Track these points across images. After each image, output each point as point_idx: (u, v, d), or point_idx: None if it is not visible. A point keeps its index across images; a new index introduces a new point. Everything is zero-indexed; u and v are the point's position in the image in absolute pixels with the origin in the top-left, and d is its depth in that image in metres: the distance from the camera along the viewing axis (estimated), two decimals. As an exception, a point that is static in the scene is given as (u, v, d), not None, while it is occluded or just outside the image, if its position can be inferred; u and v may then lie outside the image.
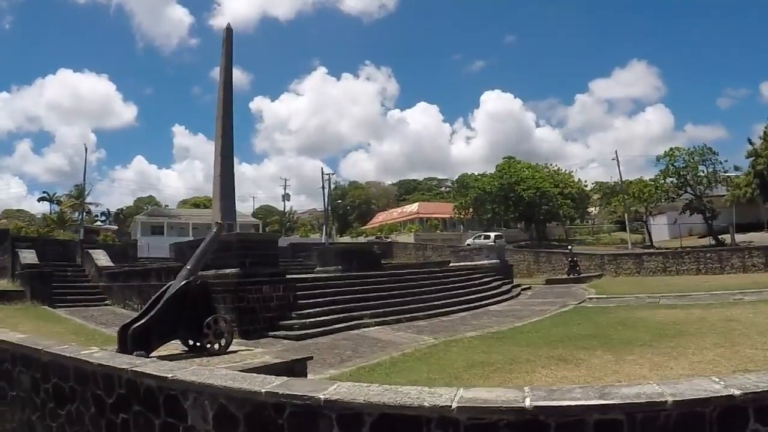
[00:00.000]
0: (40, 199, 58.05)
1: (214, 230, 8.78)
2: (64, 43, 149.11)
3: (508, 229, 53.28)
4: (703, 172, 42.26)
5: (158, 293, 7.36)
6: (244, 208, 67.75)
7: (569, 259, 32.32)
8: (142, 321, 6.81)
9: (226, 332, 7.50)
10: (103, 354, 5.13)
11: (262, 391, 3.38)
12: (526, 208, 45.07)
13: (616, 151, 48.98)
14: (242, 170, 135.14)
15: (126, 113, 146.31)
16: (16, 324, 12.75)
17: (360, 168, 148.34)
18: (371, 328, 12.96)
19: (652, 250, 37.24)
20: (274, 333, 12.23)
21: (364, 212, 66.07)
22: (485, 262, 27.78)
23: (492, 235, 43.22)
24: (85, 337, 11.72)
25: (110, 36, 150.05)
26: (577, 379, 6.89)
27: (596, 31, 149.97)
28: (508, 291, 21.70)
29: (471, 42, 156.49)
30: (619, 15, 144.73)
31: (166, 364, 4.69)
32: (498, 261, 28.23)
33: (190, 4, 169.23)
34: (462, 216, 50.60)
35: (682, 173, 42.05)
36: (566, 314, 14.87)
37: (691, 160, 41.99)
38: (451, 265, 27.92)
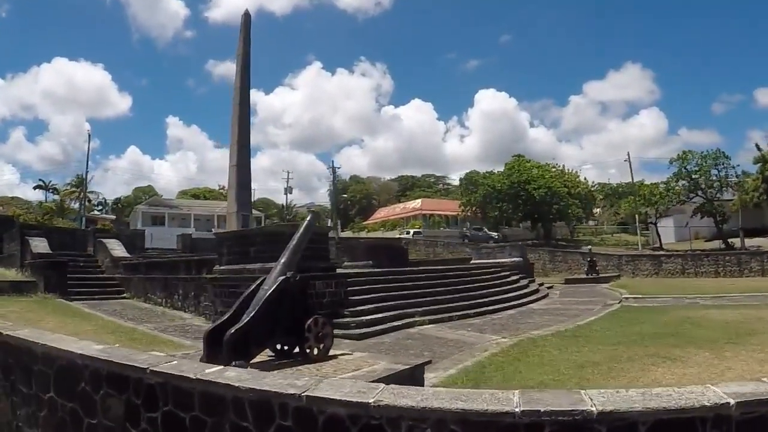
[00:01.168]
0: (36, 187, 56.75)
1: (309, 219, 8.10)
2: (60, 32, 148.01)
3: (513, 228, 52.84)
4: (715, 176, 42.24)
5: (249, 291, 6.47)
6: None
7: (588, 259, 32.68)
8: (240, 324, 5.90)
9: (328, 335, 6.75)
10: (237, 372, 4.18)
11: (515, 411, 2.84)
12: (536, 207, 44.54)
13: (628, 153, 48.47)
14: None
15: (121, 103, 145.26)
16: (37, 320, 11.79)
17: (353, 163, 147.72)
18: (427, 327, 12.48)
19: (670, 252, 37.06)
20: (340, 332, 11.30)
21: (364, 207, 65.27)
22: (508, 260, 27.53)
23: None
24: (125, 336, 10.73)
25: (106, 26, 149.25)
26: (705, 375, 6.67)
27: (591, 33, 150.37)
28: (537, 290, 21.39)
29: (466, 41, 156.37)
30: (614, 17, 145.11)
31: (340, 382, 3.86)
32: (521, 259, 28.12)
33: None
34: (468, 214, 49.98)
35: (693, 176, 41.97)
36: (618, 313, 14.61)
37: (704, 164, 41.90)
38: (473, 262, 27.27)
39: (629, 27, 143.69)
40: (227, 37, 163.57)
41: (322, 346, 6.63)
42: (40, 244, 20.66)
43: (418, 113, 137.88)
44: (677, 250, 39.54)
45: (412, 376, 5.96)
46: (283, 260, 6.88)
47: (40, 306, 15.19)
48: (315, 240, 13.41)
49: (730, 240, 41.02)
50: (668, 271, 33.49)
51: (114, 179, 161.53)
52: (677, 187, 42.98)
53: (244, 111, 27.48)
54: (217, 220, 50.61)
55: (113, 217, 53.53)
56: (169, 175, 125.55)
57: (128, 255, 21.08)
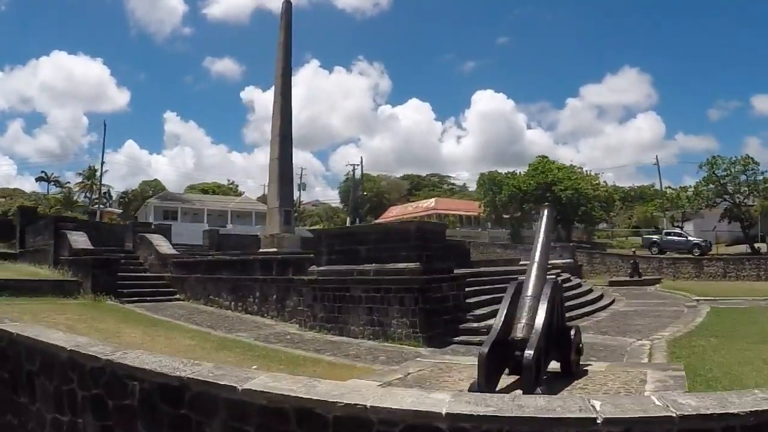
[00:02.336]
0: (38, 179, 54.39)
1: (547, 212, 7.12)
2: (59, 25, 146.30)
3: (532, 230, 51.87)
4: (743, 181, 41.96)
5: (509, 297, 5.40)
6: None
7: (631, 261, 32.17)
8: (535, 340, 4.75)
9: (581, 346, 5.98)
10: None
11: None
12: (562, 208, 43.63)
13: (656, 156, 47.97)
14: (232, 159, 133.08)
15: (119, 98, 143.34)
16: (114, 332, 10.30)
17: (349, 162, 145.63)
18: None
19: (711, 256, 36.66)
20: (459, 338, 10.63)
21: (375, 205, 63.91)
22: (559, 261, 26.79)
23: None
24: (250, 354, 9.12)
25: (105, 20, 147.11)
26: None
27: (588, 37, 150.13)
28: (593, 290, 20.66)
29: (463, 42, 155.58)
30: (612, 21, 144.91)
31: None
32: (571, 260, 27.51)
33: None
34: (489, 214, 48.97)
35: (722, 181, 41.66)
36: (720, 313, 14.35)
37: (733, 169, 41.66)
38: (522, 263, 26.20)
39: (627, 31, 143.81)
40: (226, 35, 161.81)
41: (578, 359, 5.85)
42: (79, 239, 18.92)
43: (415, 113, 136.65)
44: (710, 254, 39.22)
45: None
46: (537, 259, 5.95)
47: (99, 311, 13.59)
48: (435, 239, 12.36)
49: (756, 245, 40.63)
50: (709, 274, 33.15)
51: (111, 173, 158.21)
52: (706, 191, 42.47)
53: (286, 102, 26.02)
54: (230, 216, 49.10)
55: (120, 210, 51.46)
56: (166, 170, 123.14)
57: (176, 252, 19.50)
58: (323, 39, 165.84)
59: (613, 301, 18.24)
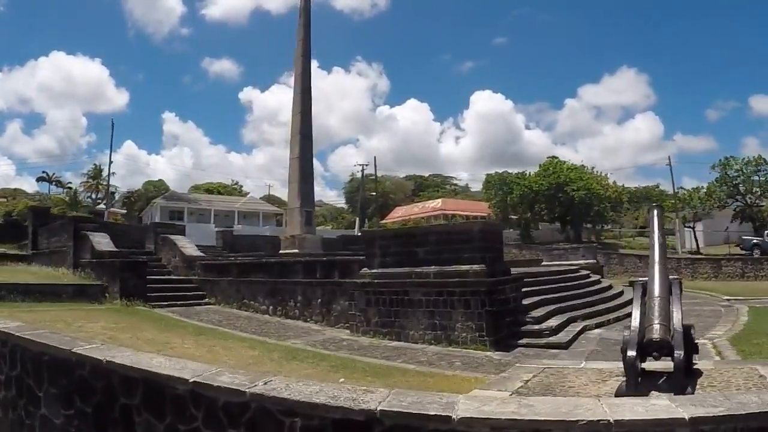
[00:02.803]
0: (39, 179, 53.34)
1: (656, 212, 6.96)
2: (58, 26, 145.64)
3: (542, 230, 51.50)
4: (755, 181, 41.89)
5: (639, 296, 5.41)
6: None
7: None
8: (681, 340, 4.77)
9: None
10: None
11: None
12: (573, 209, 43.30)
13: (669, 157, 47.63)
14: (230, 159, 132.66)
15: (118, 99, 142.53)
16: (163, 342, 9.52)
17: (348, 163, 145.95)
18: (597, 330, 11.57)
19: (730, 256, 36.68)
20: (523, 341, 10.28)
21: (380, 205, 63.19)
22: (582, 261, 26.57)
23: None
24: (326, 365, 8.42)
25: (103, 20, 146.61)
26: None
27: (586, 37, 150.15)
28: (623, 291, 20.28)
29: (460, 43, 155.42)
30: (609, 21, 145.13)
31: None
32: (594, 261, 27.30)
33: None
34: (499, 215, 48.43)
35: (735, 182, 41.64)
36: (764, 313, 14.15)
37: (746, 170, 41.61)
38: (545, 263, 25.82)
39: (624, 31, 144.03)
40: (224, 35, 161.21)
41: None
42: (102, 241, 18.19)
43: (413, 113, 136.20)
44: (710, 254, 39.24)
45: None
46: (657, 260, 5.78)
47: (133, 318, 12.81)
48: (496, 239, 11.95)
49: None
50: (727, 274, 33.23)
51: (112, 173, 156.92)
52: (718, 192, 42.36)
53: (306, 100, 25.45)
54: (237, 216, 48.31)
55: (123, 211, 50.50)
56: (164, 170, 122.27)
57: (202, 254, 18.83)
58: (322, 40, 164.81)
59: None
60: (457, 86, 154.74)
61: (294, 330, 12.61)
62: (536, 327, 10.79)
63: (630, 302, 16.19)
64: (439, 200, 64.48)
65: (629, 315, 14.42)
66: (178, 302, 15.95)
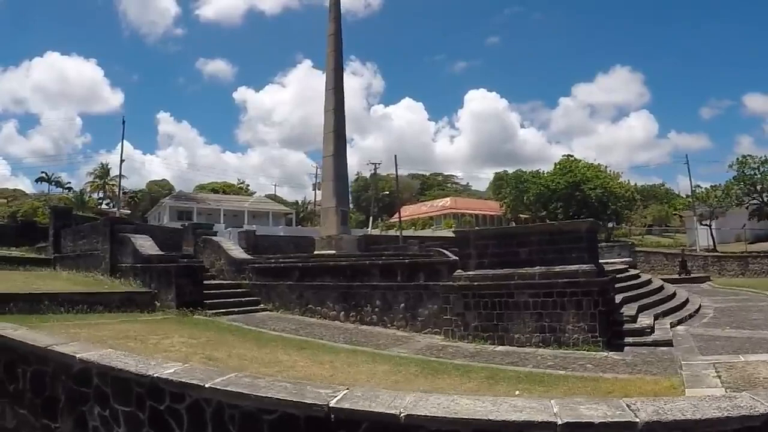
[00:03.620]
0: (39, 180, 51.74)
1: None
2: (52, 26, 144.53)
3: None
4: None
5: None
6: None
7: (679, 259, 32.06)
8: None
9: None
10: None
11: None
12: (590, 207, 42.95)
13: (686, 155, 47.62)
14: (225, 159, 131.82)
15: (113, 99, 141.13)
16: (271, 359, 8.43)
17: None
18: (681, 327, 11.74)
19: (757, 253, 36.56)
20: (630, 340, 10.18)
21: (387, 205, 62.39)
22: (618, 260, 26.21)
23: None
24: (482, 378, 7.55)
25: (97, 21, 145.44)
26: None
27: (579, 36, 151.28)
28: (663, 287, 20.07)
29: (453, 43, 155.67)
30: (602, 20, 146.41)
31: None
32: (630, 259, 26.99)
33: None
34: (513, 213, 48.06)
35: (752, 180, 41.73)
36: None
37: (762, 168, 41.72)
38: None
39: (618, 30, 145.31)
40: (218, 35, 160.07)
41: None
42: (146, 243, 17.04)
43: (408, 112, 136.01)
44: (734, 252, 39.15)
45: None
46: None
47: (206, 329, 11.57)
48: (596, 239, 11.85)
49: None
50: (754, 272, 33.21)
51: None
52: (736, 190, 42.37)
53: (339, 96, 24.59)
54: (246, 216, 47.17)
55: (128, 211, 49.08)
56: (159, 170, 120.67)
57: (250, 257, 17.89)
58: (316, 39, 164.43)
59: (687, 300, 17.45)
60: (451, 86, 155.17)
61: (382, 338, 11.77)
62: (636, 326, 10.76)
63: (670, 298, 16.11)
64: (448, 199, 63.99)
65: (698, 311, 14.40)
66: (235, 309, 14.87)
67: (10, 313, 11.71)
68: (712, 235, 44.43)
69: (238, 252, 17.81)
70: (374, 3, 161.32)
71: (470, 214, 57.55)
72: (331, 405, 3.15)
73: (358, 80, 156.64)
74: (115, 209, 50.09)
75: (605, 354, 9.34)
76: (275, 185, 76.37)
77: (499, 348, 10.42)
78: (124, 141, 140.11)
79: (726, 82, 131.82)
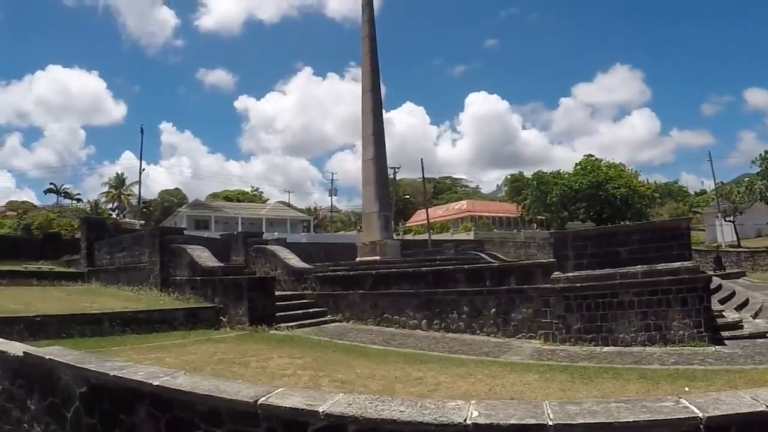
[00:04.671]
0: (47, 191, 51.14)
1: None
2: (53, 40, 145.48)
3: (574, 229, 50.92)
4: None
5: None
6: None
7: (714, 256, 32.03)
8: None
9: None
10: None
11: None
12: (613, 206, 42.76)
13: (709, 152, 47.51)
14: (228, 167, 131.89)
15: (115, 111, 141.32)
16: (416, 377, 7.68)
17: (346, 169, 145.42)
18: (758, 320, 11.87)
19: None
20: (726, 334, 10.39)
21: (401, 209, 62.05)
22: None
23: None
24: (648, 382, 7.16)
25: (97, 34, 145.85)
26: None
27: (576, 35, 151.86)
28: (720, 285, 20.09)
29: (451, 47, 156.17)
30: (599, 19, 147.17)
31: None
32: None
33: (176, 4, 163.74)
34: (535, 215, 47.84)
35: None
36: None
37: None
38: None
39: (615, 28, 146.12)
40: (218, 45, 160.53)
41: None
42: (203, 255, 16.49)
43: (410, 117, 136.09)
44: (759, 247, 39.20)
45: None
46: None
47: (298, 346, 10.76)
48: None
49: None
50: None
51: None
52: (759, 185, 42.36)
53: (377, 98, 24.38)
54: (264, 223, 46.63)
55: (142, 221, 48.45)
56: (164, 180, 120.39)
57: (308, 266, 17.43)
58: (314, 48, 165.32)
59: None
60: (451, 90, 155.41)
61: (478, 345, 11.36)
62: (728, 320, 11.11)
63: (733, 294, 15.90)
64: (464, 202, 63.73)
65: (763, 305, 14.26)
66: (305, 321, 14.30)
67: (71, 337, 11.16)
68: (736, 231, 44.41)
69: (296, 261, 17.35)
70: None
71: (487, 216, 57.33)
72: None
73: (359, 86, 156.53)
74: (128, 219, 49.53)
75: (713, 348, 9.42)
76: (289, 192, 75.99)
77: (607, 349, 10.25)
78: (128, 152, 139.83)
79: (726, 77, 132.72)
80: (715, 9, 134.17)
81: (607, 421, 2.97)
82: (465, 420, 3.02)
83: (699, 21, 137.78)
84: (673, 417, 2.89)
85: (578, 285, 10.93)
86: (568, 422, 2.97)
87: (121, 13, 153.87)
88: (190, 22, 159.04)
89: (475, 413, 3.11)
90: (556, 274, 11.36)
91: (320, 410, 3.22)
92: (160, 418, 3.95)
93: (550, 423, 2.96)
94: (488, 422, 3.02)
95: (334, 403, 3.32)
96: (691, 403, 2.97)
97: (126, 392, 4.19)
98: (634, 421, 2.95)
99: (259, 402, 3.43)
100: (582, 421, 2.97)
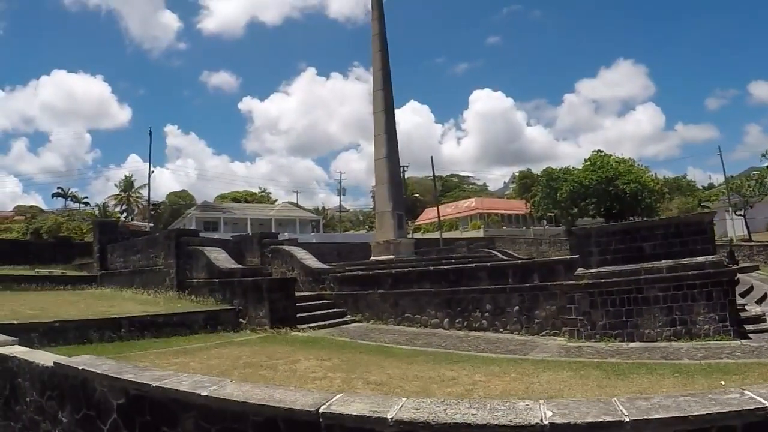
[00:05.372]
0: (55, 195, 51.37)
1: None
2: (57, 45, 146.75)
3: (582, 225, 50.74)
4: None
5: None
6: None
7: (727, 249, 31.67)
8: None
9: None
10: None
11: None
12: (623, 202, 42.58)
13: (719, 147, 47.38)
14: (234, 169, 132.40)
15: (121, 115, 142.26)
16: (450, 377, 7.55)
17: (351, 168, 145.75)
18: None
19: None
20: (751, 327, 10.48)
21: (410, 207, 61.92)
22: None
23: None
24: (683, 377, 7.14)
25: (101, 38, 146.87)
26: None
27: (578, 31, 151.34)
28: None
29: (453, 45, 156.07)
30: (601, 14, 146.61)
31: None
32: None
33: (179, 8, 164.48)
34: (543, 211, 47.71)
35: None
36: None
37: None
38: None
39: (617, 23, 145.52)
40: (221, 48, 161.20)
41: None
42: (220, 256, 16.50)
43: (414, 115, 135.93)
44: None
45: None
46: None
47: (321, 348, 10.55)
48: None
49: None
50: None
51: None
52: (770, 179, 42.26)
53: (388, 96, 24.33)
54: (273, 224, 46.67)
55: (151, 224, 48.51)
56: (169, 182, 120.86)
57: (330, 266, 17.40)
58: (317, 49, 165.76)
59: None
60: (454, 88, 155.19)
61: (503, 343, 11.30)
62: (751, 314, 11.30)
63: (752, 288, 15.89)
64: (473, 200, 63.60)
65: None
66: (325, 322, 14.26)
67: (90, 343, 11.14)
68: (746, 224, 44.18)
69: (313, 261, 17.32)
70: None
71: (496, 213, 57.23)
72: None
73: (363, 86, 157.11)
74: (137, 221, 49.61)
75: (738, 342, 9.44)
76: (297, 192, 75.89)
77: (633, 345, 10.29)
78: (134, 155, 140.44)
79: (730, 71, 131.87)
80: (717, 2, 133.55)
81: (681, 415, 2.93)
82: (542, 420, 2.95)
83: (701, 14, 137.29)
84: (743, 408, 2.87)
85: (603, 281, 10.92)
86: (644, 417, 2.93)
87: (123, 18, 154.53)
88: (192, 26, 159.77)
89: (549, 413, 3.06)
90: (580, 270, 11.32)
91: (389, 416, 3.08)
92: (209, 429, 3.79)
93: (627, 419, 2.91)
94: (565, 421, 2.96)
95: (401, 408, 3.19)
96: (755, 394, 2.96)
97: (169, 403, 4.02)
98: (706, 414, 2.90)
99: (320, 410, 3.26)
100: (657, 416, 2.93)
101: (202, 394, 3.81)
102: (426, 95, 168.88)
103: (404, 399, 3.39)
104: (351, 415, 3.19)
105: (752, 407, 2.86)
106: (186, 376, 4.50)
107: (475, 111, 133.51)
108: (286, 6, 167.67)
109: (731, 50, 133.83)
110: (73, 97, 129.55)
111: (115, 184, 50.37)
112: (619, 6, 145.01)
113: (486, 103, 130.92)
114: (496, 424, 2.99)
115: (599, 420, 2.98)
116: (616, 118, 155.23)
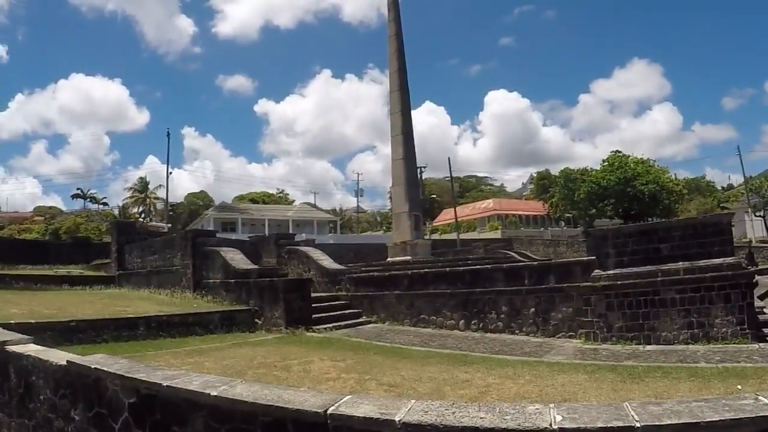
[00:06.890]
0: (74, 196, 52.19)
1: None
2: (75, 49, 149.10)
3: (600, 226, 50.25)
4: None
5: None
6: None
7: (747, 251, 31.38)
8: None
9: None
10: None
11: None
12: (641, 203, 42.05)
13: (738, 147, 46.72)
14: (251, 170, 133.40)
15: (139, 118, 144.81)
16: (464, 379, 7.48)
17: (367, 169, 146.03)
18: None
19: None
20: (767, 331, 10.07)
21: (427, 209, 61.81)
22: None
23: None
24: (718, 381, 6.94)
25: (117, 42, 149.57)
26: None
27: (592, 31, 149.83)
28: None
29: (466, 46, 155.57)
30: (614, 14, 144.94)
31: None
32: None
33: (194, 13, 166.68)
34: (561, 212, 47.33)
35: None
36: None
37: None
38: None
39: (631, 22, 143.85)
40: (236, 51, 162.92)
41: None
42: (236, 257, 16.57)
43: (430, 117, 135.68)
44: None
45: None
46: None
47: (338, 349, 10.51)
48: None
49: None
50: None
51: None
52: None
53: (405, 96, 24.25)
54: (291, 225, 46.96)
55: (169, 224, 49.03)
56: (187, 184, 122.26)
57: (346, 267, 17.42)
58: (331, 51, 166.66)
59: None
60: (469, 90, 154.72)
61: (518, 345, 11.21)
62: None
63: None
64: (491, 201, 63.33)
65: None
66: (341, 323, 14.21)
67: (106, 342, 11.20)
68: (766, 225, 43.42)
69: (329, 262, 17.35)
70: (385, 13, 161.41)
71: (514, 215, 56.90)
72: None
73: (378, 88, 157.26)
74: (154, 222, 50.13)
75: (757, 346, 9.26)
76: (315, 193, 76.22)
77: (650, 347, 10.11)
78: (151, 157, 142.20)
79: (746, 70, 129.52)
80: (734, 1, 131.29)
81: (694, 421, 2.87)
82: (551, 424, 2.91)
83: (716, 13, 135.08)
84: (758, 415, 2.80)
85: (620, 283, 10.76)
86: (655, 423, 2.87)
87: (138, 23, 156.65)
88: (207, 30, 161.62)
89: (559, 417, 3.02)
90: (597, 272, 11.18)
91: (396, 419, 3.06)
92: (218, 429, 3.80)
93: (638, 425, 2.86)
94: (575, 426, 2.92)
95: (409, 410, 3.18)
96: (770, 400, 2.90)
97: (180, 403, 4.04)
98: (720, 420, 2.84)
99: (328, 412, 3.25)
100: (668, 422, 2.87)
101: (211, 394, 3.83)
102: (441, 96, 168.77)
103: (413, 401, 3.37)
104: (359, 417, 3.19)
105: (767, 414, 2.82)
106: (197, 375, 4.53)
107: (490, 112, 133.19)
108: (300, 10, 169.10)
109: (747, 49, 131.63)
110: (91, 100, 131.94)
111: (128, 188, 50.90)
112: (632, 6, 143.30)
113: (502, 104, 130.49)
114: (504, 428, 2.96)
115: (609, 425, 2.93)
116: (633, 118, 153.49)
